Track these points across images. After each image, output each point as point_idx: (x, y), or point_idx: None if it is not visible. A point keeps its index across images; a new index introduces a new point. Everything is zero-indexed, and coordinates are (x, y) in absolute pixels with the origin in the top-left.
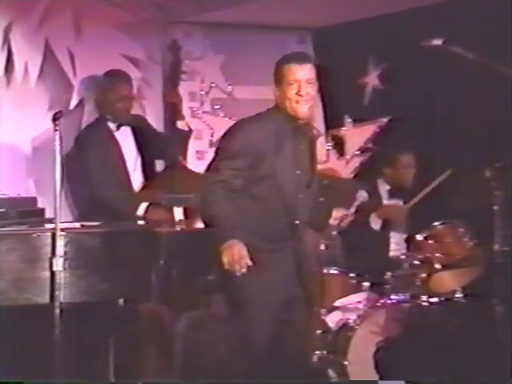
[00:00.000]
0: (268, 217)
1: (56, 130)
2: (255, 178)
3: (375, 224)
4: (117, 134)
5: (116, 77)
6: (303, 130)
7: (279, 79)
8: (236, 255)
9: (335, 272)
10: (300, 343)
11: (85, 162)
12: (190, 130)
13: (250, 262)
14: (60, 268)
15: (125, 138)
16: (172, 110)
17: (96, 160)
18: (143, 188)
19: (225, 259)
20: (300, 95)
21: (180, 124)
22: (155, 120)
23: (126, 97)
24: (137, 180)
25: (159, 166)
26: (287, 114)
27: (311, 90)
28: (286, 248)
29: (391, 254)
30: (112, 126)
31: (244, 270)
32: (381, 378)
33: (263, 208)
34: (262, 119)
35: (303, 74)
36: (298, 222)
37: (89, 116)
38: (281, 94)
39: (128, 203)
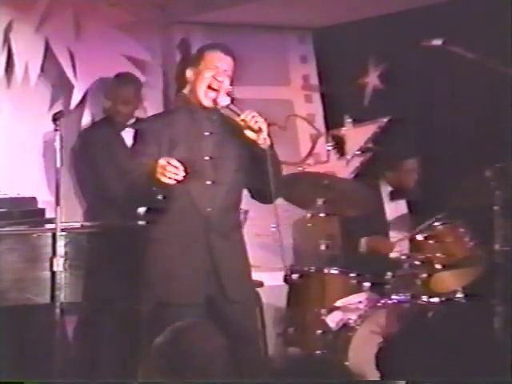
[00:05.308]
0: (176, 211)
1: (56, 130)
2: None
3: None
4: (123, 133)
5: (124, 79)
6: (209, 116)
7: (198, 61)
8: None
9: (335, 272)
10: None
11: (89, 158)
12: None
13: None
14: (60, 268)
15: (130, 139)
16: None
17: (101, 156)
18: None
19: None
20: (216, 79)
21: None
22: None
23: (132, 100)
24: None
25: None
26: (192, 105)
27: (227, 81)
28: (200, 239)
29: (393, 254)
30: (118, 126)
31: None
32: (382, 378)
33: (171, 205)
34: (164, 114)
35: (224, 64)
36: (209, 209)
37: (93, 117)
38: (195, 76)
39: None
